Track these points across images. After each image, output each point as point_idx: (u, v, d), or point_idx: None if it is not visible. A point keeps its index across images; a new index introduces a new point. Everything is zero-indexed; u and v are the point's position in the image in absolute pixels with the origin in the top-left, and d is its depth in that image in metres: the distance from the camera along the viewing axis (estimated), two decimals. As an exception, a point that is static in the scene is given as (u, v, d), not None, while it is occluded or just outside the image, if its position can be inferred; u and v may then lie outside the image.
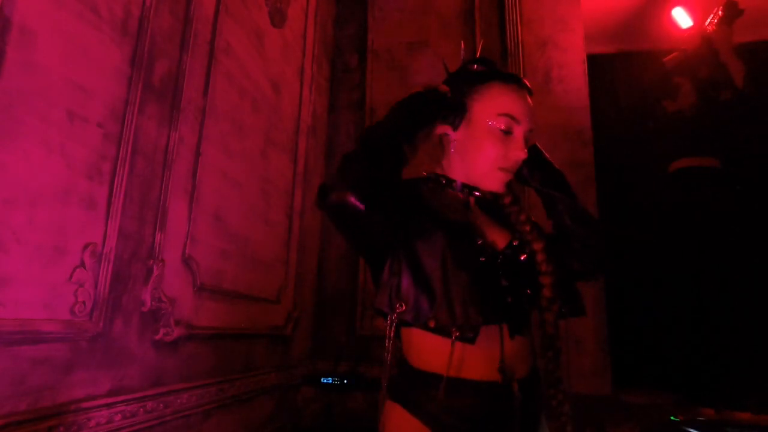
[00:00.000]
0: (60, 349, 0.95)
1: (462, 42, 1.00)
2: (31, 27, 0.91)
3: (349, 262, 2.32)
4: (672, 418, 1.89)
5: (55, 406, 0.93)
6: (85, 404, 1.00)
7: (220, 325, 1.50)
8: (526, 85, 0.90)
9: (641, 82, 2.99)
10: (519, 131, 0.87)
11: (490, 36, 2.45)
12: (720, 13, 2.42)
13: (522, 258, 0.86)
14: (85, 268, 1.01)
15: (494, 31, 2.46)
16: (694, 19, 2.73)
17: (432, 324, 0.78)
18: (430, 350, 0.81)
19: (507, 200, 0.94)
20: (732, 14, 2.40)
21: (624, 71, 3.18)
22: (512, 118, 0.86)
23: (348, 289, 2.29)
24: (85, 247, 1.01)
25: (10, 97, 0.86)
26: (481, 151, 0.88)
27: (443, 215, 0.87)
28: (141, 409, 1.15)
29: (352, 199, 0.72)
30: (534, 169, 0.95)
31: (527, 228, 0.89)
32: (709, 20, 2.49)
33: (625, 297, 2.60)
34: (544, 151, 0.97)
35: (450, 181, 0.92)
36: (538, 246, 0.86)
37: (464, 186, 0.92)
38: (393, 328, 0.81)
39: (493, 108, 0.87)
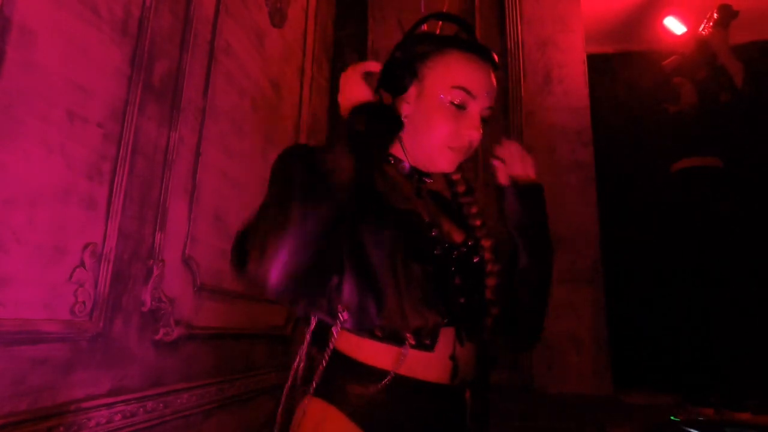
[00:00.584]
0: (60, 349, 0.95)
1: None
2: (31, 27, 0.90)
3: (349, 262, 2.31)
4: (672, 418, 1.89)
5: (55, 406, 0.93)
6: (85, 404, 1.00)
7: (220, 325, 1.50)
8: (492, 57, 0.80)
9: (641, 82, 2.99)
10: (474, 108, 0.77)
11: (490, 36, 2.45)
12: (715, 16, 2.41)
13: (475, 260, 0.78)
14: (85, 268, 1.01)
15: (494, 31, 2.46)
16: (688, 25, 2.73)
17: (379, 333, 0.68)
18: (372, 344, 0.70)
19: (461, 188, 0.86)
20: (727, 16, 2.40)
21: (624, 71, 3.18)
22: (467, 92, 0.76)
23: (348, 289, 2.28)
24: (85, 247, 1.01)
25: (10, 97, 0.86)
26: (430, 127, 0.78)
27: (393, 202, 0.75)
28: (141, 409, 1.15)
29: (276, 287, 0.60)
30: (521, 219, 0.82)
31: (477, 222, 0.82)
32: (703, 26, 2.48)
33: (625, 297, 2.60)
34: (544, 203, 0.85)
35: (398, 161, 0.82)
36: (486, 243, 0.80)
37: (413, 169, 0.83)
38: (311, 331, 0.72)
39: (446, 79, 0.77)
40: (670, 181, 2.51)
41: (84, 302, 1.00)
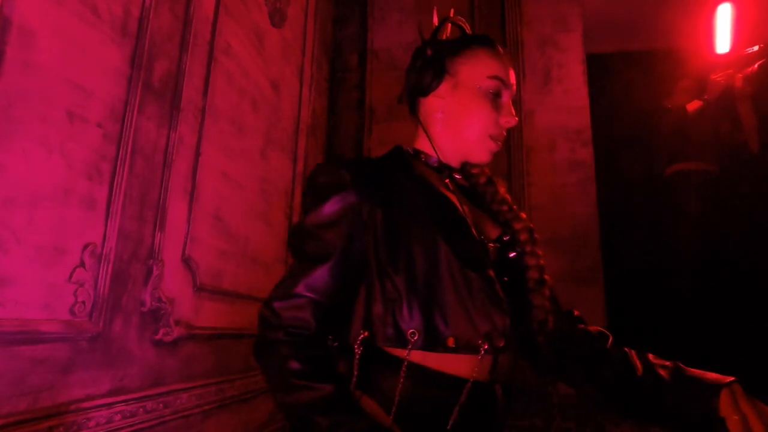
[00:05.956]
0: (60, 349, 0.95)
1: (435, 7, 0.93)
2: (31, 27, 0.90)
3: (349, 262, 2.31)
4: (672, 418, 1.88)
5: (54, 406, 0.93)
6: (85, 404, 1.00)
7: (219, 325, 1.50)
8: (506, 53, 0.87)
9: (641, 82, 2.99)
10: (507, 96, 0.82)
11: (490, 36, 2.45)
12: (756, 66, 2.33)
13: (511, 255, 0.78)
14: (84, 268, 1.01)
15: (494, 32, 2.46)
16: (732, 47, 2.55)
17: (452, 343, 0.67)
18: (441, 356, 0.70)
19: (482, 180, 0.88)
20: (765, 74, 2.27)
21: (624, 71, 3.19)
22: (502, 81, 0.81)
23: (348, 289, 2.28)
24: (85, 247, 1.01)
25: (9, 97, 0.86)
26: (471, 116, 0.81)
27: (433, 206, 0.76)
28: (141, 409, 1.15)
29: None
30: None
31: (504, 208, 0.83)
32: (750, 49, 2.36)
33: (625, 298, 2.60)
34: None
35: (427, 157, 0.85)
36: (518, 225, 0.80)
37: (442, 165, 0.84)
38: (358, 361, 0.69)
39: (482, 71, 0.81)
40: (665, 183, 2.51)
41: (84, 302, 1.00)
